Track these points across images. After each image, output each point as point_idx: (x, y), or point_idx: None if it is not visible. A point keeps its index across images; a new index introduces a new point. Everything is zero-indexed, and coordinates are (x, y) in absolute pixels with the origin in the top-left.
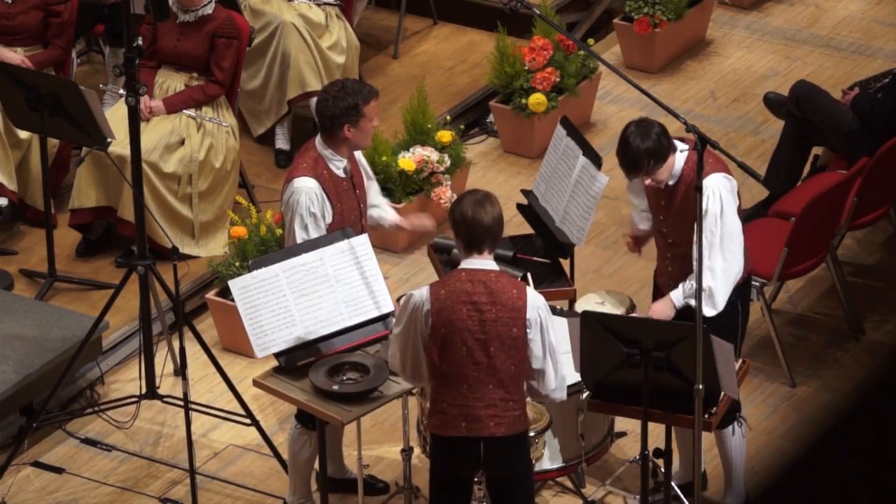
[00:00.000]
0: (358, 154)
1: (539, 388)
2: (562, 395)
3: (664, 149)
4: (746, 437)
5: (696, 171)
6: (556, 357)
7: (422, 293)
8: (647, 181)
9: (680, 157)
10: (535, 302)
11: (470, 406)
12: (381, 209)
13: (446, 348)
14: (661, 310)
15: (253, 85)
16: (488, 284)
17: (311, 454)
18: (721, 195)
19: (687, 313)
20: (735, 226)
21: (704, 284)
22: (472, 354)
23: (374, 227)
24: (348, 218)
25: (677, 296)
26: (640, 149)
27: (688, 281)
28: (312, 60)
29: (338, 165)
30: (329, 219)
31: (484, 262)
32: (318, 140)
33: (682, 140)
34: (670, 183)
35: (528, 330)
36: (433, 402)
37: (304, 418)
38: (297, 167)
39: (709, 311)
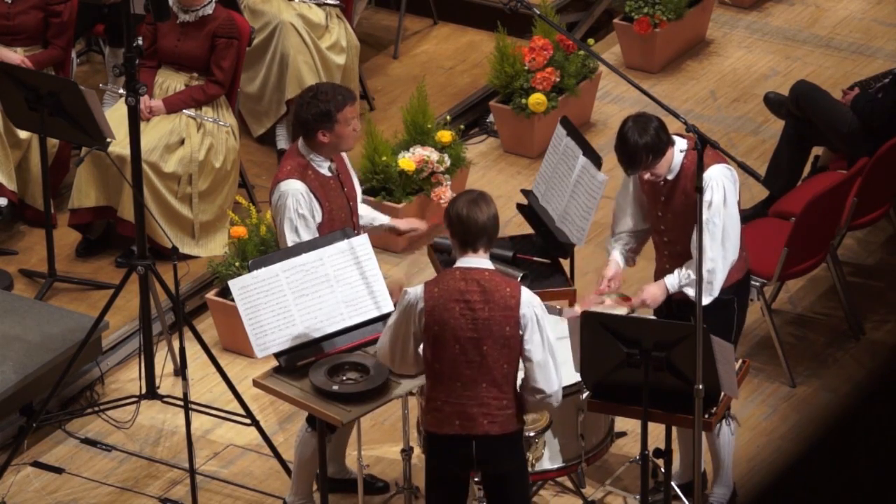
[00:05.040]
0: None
1: (541, 388)
2: (559, 397)
3: (662, 143)
4: (737, 433)
5: (696, 172)
6: (555, 356)
7: (416, 291)
8: (647, 176)
9: (679, 153)
10: (530, 301)
11: (463, 404)
12: (370, 211)
13: (439, 346)
14: (653, 293)
15: (252, 85)
16: (482, 283)
17: (317, 457)
18: (724, 185)
19: (681, 307)
20: (735, 218)
21: (704, 271)
22: (466, 353)
23: (368, 230)
24: (338, 216)
25: (672, 281)
26: (639, 144)
27: (684, 269)
28: (311, 60)
29: (322, 165)
30: (319, 218)
31: (478, 261)
32: (300, 142)
33: (681, 136)
34: (669, 178)
35: (522, 329)
36: (428, 400)
37: (316, 422)
38: (282, 170)
39: (705, 299)
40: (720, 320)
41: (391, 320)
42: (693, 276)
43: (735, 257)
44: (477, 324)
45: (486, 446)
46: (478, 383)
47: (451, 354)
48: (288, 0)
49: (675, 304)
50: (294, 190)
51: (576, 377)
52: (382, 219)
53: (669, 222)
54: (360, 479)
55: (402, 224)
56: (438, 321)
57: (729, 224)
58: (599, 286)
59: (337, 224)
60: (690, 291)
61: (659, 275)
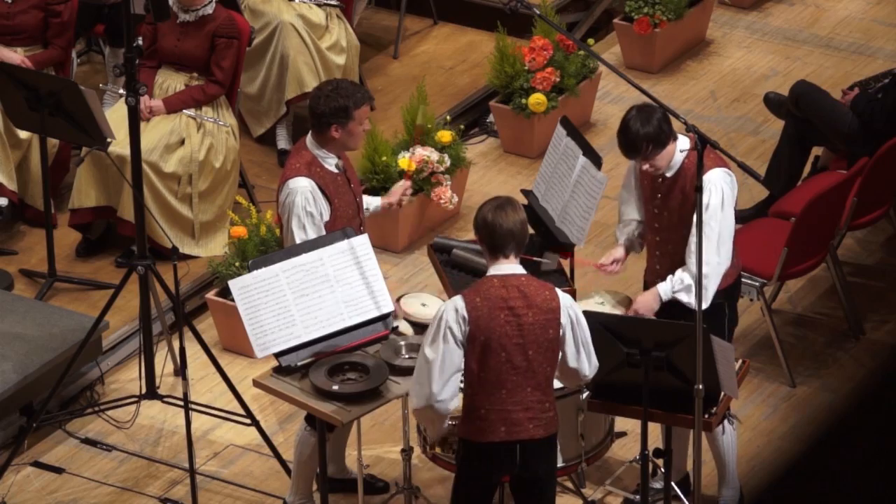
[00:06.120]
0: None
1: (574, 377)
2: (594, 373)
3: (664, 135)
4: (737, 432)
5: (697, 172)
6: (589, 348)
7: (455, 304)
8: (645, 166)
9: (680, 152)
10: (566, 302)
11: (508, 410)
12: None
13: (486, 355)
14: (646, 302)
15: (252, 86)
16: (521, 288)
17: (317, 456)
18: (723, 189)
19: (673, 307)
20: (731, 222)
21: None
22: (512, 359)
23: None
24: (345, 213)
25: (664, 288)
26: (640, 133)
27: (677, 274)
28: (311, 61)
29: (330, 162)
30: (327, 216)
31: (512, 267)
32: (308, 138)
33: (684, 136)
34: (668, 175)
35: (562, 331)
36: (468, 410)
37: (314, 421)
38: (291, 167)
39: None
40: (711, 324)
41: (429, 353)
42: (686, 282)
43: (728, 263)
44: (523, 329)
45: (529, 450)
46: (523, 388)
47: (497, 362)
48: (288, 0)
49: (668, 304)
50: (302, 188)
51: None
52: (374, 202)
53: (664, 220)
54: (360, 479)
55: (392, 197)
56: (484, 330)
57: (724, 229)
58: (603, 260)
59: (344, 220)
60: (683, 298)
61: (649, 273)
